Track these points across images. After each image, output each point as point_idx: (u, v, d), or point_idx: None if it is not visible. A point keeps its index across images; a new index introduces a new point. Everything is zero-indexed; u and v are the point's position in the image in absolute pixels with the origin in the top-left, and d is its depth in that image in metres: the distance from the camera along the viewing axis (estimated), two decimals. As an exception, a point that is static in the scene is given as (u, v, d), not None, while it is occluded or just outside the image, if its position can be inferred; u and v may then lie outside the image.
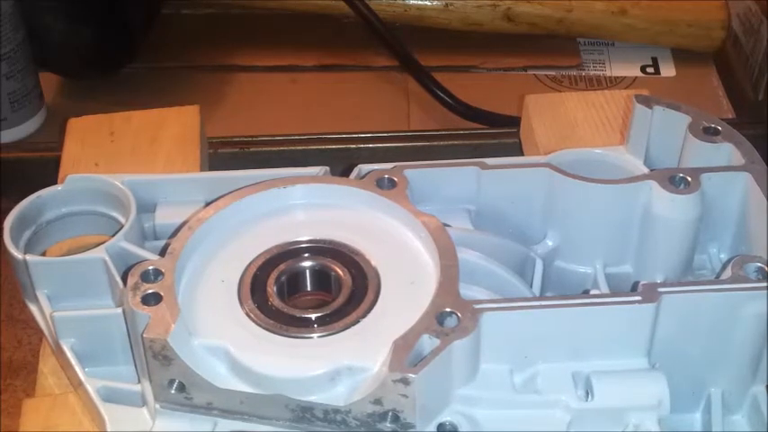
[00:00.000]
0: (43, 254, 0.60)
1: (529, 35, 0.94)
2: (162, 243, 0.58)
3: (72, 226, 0.60)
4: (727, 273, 0.51)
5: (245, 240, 0.55)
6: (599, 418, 0.49)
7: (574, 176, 0.57)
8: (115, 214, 0.60)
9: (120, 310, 0.54)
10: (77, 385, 0.54)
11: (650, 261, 0.57)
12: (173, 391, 0.50)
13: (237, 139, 0.82)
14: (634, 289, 0.50)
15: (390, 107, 0.91)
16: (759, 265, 0.51)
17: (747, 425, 0.54)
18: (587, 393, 0.49)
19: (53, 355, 0.58)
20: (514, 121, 0.77)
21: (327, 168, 0.60)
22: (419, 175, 0.57)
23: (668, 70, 0.95)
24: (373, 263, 0.53)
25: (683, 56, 0.95)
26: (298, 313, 0.51)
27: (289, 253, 0.54)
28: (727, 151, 0.58)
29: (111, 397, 0.53)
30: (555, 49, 0.95)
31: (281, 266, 0.53)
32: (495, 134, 0.83)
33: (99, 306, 0.56)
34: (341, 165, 0.64)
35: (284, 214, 0.56)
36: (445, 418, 0.49)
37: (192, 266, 0.53)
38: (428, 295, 0.50)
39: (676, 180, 0.56)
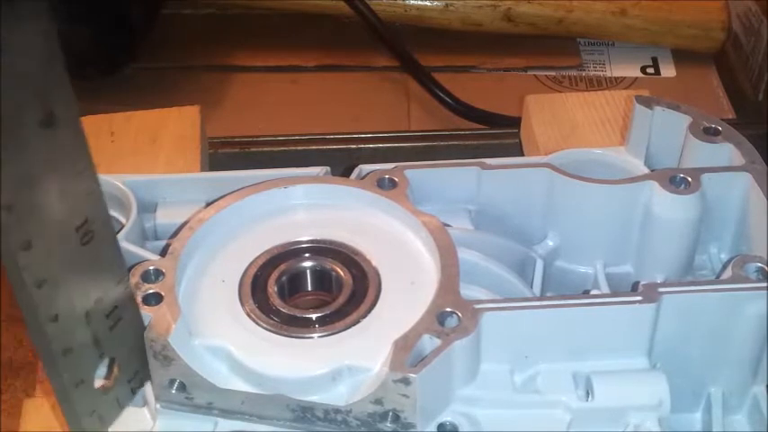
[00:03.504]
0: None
1: (529, 35, 0.94)
2: (163, 243, 0.58)
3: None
4: (728, 273, 0.51)
5: (246, 240, 0.55)
6: (599, 417, 0.49)
7: (574, 176, 0.57)
8: (116, 214, 0.60)
9: (120, 310, 0.54)
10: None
11: (650, 261, 0.57)
12: (173, 391, 0.50)
13: (238, 140, 0.82)
14: (634, 289, 0.50)
15: (390, 107, 0.91)
16: (759, 265, 0.51)
17: (748, 425, 0.54)
18: (588, 393, 0.50)
19: (54, 355, 0.58)
20: (514, 122, 0.77)
21: (328, 168, 0.60)
22: (420, 175, 0.57)
23: (668, 71, 0.95)
24: (374, 263, 0.53)
25: (683, 56, 0.96)
26: (298, 313, 0.51)
27: (289, 253, 0.54)
28: (727, 151, 0.58)
29: (112, 397, 0.53)
30: (555, 50, 0.96)
31: (282, 266, 0.53)
32: (496, 134, 0.83)
33: (100, 306, 0.56)
34: (341, 165, 0.65)
35: (285, 214, 0.56)
36: (446, 417, 0.49)
37: (192, 266, 0.53)
38: (428, 295, 0.50)
39: (677, 180, 0.56)
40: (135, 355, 0.48)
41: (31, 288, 0.41)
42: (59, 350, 0.43)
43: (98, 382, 0.47)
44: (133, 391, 0.50)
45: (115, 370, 0.47)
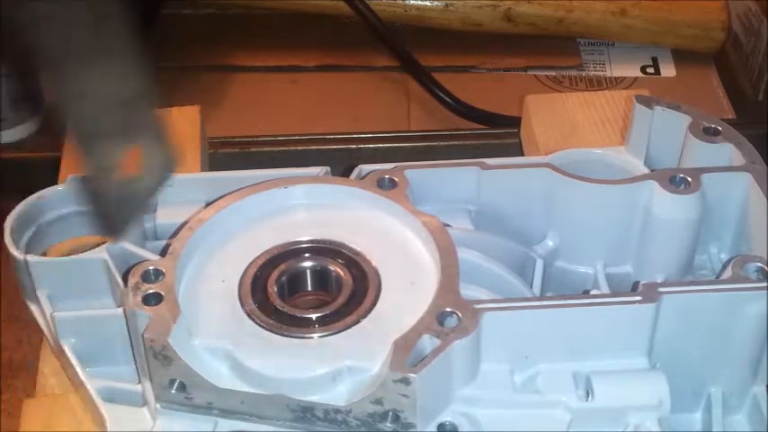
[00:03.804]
0: (44, 254, 0.60)
1: (529, 35, 0.94)
2: (162, 243, 0.58)
3: (73, 226, 0.60)
4: (728, 273, 0.51)
5: (246, 240, 0.55)
6: (599, 418, 0.49)
7: (574, 176, 0.57)
8: (116, 214, 0.60)
9: (120, 311, 0.54)
10: (78, 385, 0.54)
11: (650, 261, 0.57)
12: (173, 391, 0.50)
13: (238, 140, 0.82)
14: (634, 289, 0.50)
15: (390, 107, 0.91)
16: (759, 265, 0.51)
17: (748, 425, 0.54)
18: (587, 393, 0.50)
19: (53, 355, 0.58)
20: (514, 122, 0.77)
21: (328, 168, 0.60)
22: (420, 175, 0.57)
23: (668, 70, 0.95)
24: (374, 263, 0.53)
25: (683, 56, 0.96)
26: (298, 313, 0.51)
27: (289, 253, 0.54)
28: (727, 151, 0.58)
29: (112, 397, 0.53)
30: (555, 50, 0.95)
31: (282, 266, 0.54)
32: (496, 134, 0.83)
33: (99, 306, 0.56)
34: (341, 165, 0.65)
35: (285, 214, 0.56)
36: (446, 417, 0.49)
37: (192, 266, 0.53)
38: (428, 295, 0.50)
39: (677, 180, 0.56)
40: (156, 144, 0.48)
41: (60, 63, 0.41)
42: (90, 131, 0.44)
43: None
44: (158, 187, 0.49)
45: (141, 159, 0.47)
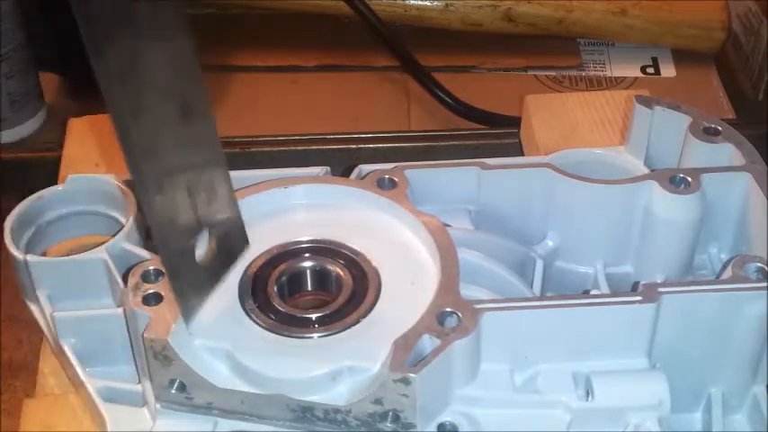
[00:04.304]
0: (44, 254, 0.60)
1: (529, 35, 0.94)
2: (162, 243, 0.58)
3: (73, 226, 0.61)
4: (728, 273, 0.51)
5: (246, 240, 0.55)
6: (599, 418, 0.49)
7: (574, 177, 0.57)
8: (116, 214, 0.60)
9: (120, 310, 0.54)
10: (78, 385, 0.54)
11: (650, 261, 0.57)
12: (173, 391, 0.50)
13: (238, 140, 0.82)
14: (634, 289, 0.50)
15: (390, 107, 0.91)
16: (759, 265, 0.51)
17: (748, 425, 0.54)
18: (588, 393, 0.50)
19: (53, 355, 0.58)
20: (514, 122, 0.77)
21: (328, 168, 0.60)
22: (420, 175, 0.57)
23: (668, 70, 0.95)
24: (374, 263, 0.53)
25: (683, 56, 0.96)
26: (298, 313, 0.51)
27: (289, 253, 0.54)
28: (727, 151, 0.58)
29: (112, 397, 0.53)
30: (555, 50, 0.95)
31: (282, 266, 0.53)
32: (496, 134, 0.83)
33: (99, 306, 0.56)
34: (341, 165, 0.64)
35: (285, 214, 0.56)
36: (446, 417, 0.49)
37: (192, 266, 0.53)
38: (428, 295, 0.50)
39: (677, 180, 0.56)
40: (228, 230, 0.50)
41: (140, 158, 0.44)
42: (165, 219, 0.46)
43: (198, 255, 0.49)
44: (226, 267, 0.52)
45: (212, 243, 0.49)
